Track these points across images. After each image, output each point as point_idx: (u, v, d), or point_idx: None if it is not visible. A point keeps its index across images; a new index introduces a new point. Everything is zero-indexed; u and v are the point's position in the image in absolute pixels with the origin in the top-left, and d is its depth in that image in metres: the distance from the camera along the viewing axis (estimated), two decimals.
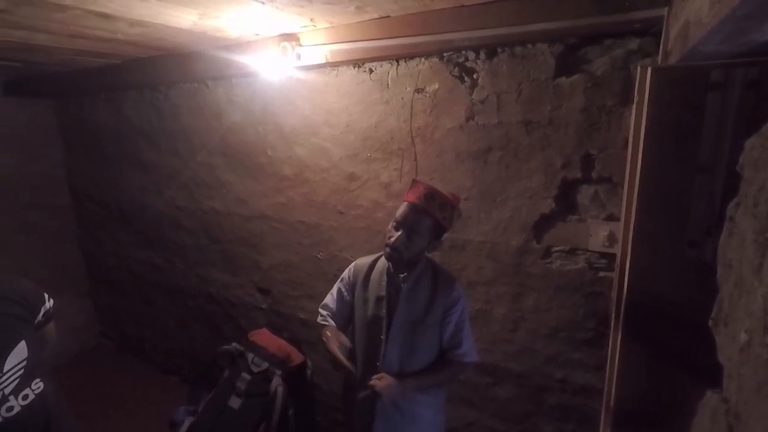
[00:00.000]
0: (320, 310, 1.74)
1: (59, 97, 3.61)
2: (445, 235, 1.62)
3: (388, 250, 1.50)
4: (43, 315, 1.43)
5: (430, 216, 1.47)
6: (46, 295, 1.47)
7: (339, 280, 1.74)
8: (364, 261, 1.70)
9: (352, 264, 1.73)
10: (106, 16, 1.74)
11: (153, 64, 2.63)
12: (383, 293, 1.58)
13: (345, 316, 1.70)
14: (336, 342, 1.51)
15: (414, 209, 1.47)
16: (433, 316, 1.55)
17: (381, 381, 1.48)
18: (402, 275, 1.57)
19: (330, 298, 1.74)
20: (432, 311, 1.55)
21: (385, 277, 1.60)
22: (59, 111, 3.67)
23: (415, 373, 1.56)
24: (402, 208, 1.51)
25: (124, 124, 3.23)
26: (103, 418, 2.97)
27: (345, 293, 1.70)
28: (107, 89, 3.19)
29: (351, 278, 1.70)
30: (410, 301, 1.55)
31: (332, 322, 1.66)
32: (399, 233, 1.47)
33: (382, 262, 1.64)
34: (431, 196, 1.47)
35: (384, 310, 1.56)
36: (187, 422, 2.37)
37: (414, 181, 1.56)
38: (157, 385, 3.40)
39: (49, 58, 2.55)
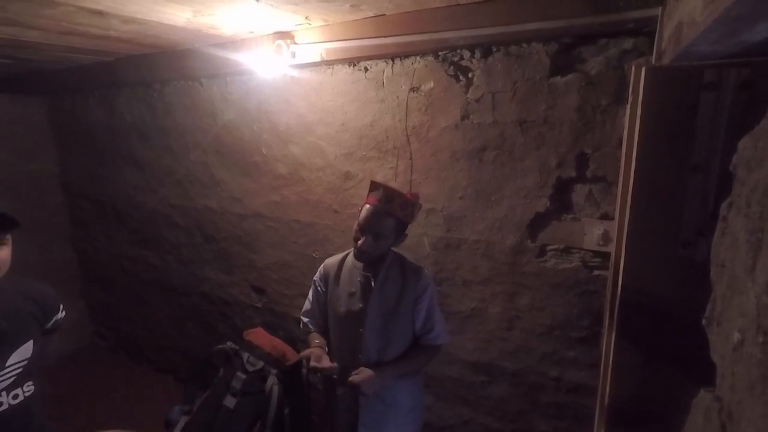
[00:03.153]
0: (302, 317, 1.78)
1: (52, 95, 3.58)
2: (410, 228, 1.65)
3: (356, 252, 1.56)
4: (53, 323, 1.48)
5: (392, 216, 1.51)
6: (61, 306, 1.51)
7: (312, 283, 1.77)
8: (333, 260, 1.74)
9: (321, 265, 1.77)
10: (98, 13, 1.72)
11: (147, 62, 2.61)
12: (354, 289, 1.63)
13: (326, 317, 1.74)
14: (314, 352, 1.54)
15: (376, 213, 1.51)
16: (404, 306, 1.60)
17: (360, 375, 1.51)
18: (371, 271, 1.61)
19: (308, 304, 1.78)
20: (403, 301, 1.60)
21: (355, 273, 1.64)
22: (52, 108, 3.63)
23: (392, 361, 1.60)
24: (364, 212, 1.54)
25: (117, 122, 3.20)
26: (97, 418, 2.95)
27: (320, 295, 1.74)
28: (100, 86, 3.16)
29: (322, 279, 1.73)
30: (382, 294, 1.60)
31: (313, 328, 1.73)
32: (365, 237, 1.52)
33: (351, 259, 1.68)
34: (391, 197, 1.51)
35: (359, 305, 1.60)
36: (182, 422, 2.36)
37: (372, 183, 1.59)
38: (152, 385, 3.39)
39: (40, 55, 2.52)
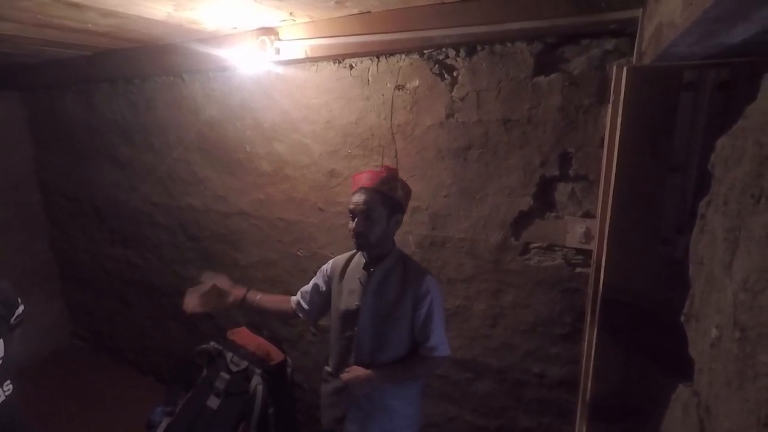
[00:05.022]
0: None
1: (28, 90, 3.48)
2: (402, 214, 1.64)
3: (354, 240, 1.55)
4: (15, 318, 1.45)
5: (377, 192, 1.52)
6: (20, 299, 1.48)
7: (318, 271, 1.79)
8: (341, 258, 1.75)
9: (331, 260, 1.78)
10: (76, 6, 1.68)
11: (126, 57, 2.56)
12: (355, 287, 1.63)
13: (317, 304, 1.77)
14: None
15: (361, 192, 1.54)
16: (402, 309, 1.56)
17: (350, 373, 1.54)
18: (371, 269, 1.61)
19: (307, 286, 1.80)
20: (401, 305, 1.57)
21: (357, 271, 1.65)
22: (28, 104, 3.53)
23: (385, 366, 1.59)
24: (352, 199, 1.56)
25: (96, 118, 3.13)
26: (77, 420, 2.89)
27: (321, 285, 1.75)
28: (79, 82, 3.08)
29: (329, 272, 1.75)
30: (378, 294, 1.58)
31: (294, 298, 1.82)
32: (357, 219, 1.52)
33: (358, 258, 1.68)
34: (370, 177, 1.55)
35: (356, 303, 1.60)
36: (165, 423, 2.33)
37: (353, 177, 1.63)
38: (134, 385, 3.33)
39: (16, 48, 2.45)
